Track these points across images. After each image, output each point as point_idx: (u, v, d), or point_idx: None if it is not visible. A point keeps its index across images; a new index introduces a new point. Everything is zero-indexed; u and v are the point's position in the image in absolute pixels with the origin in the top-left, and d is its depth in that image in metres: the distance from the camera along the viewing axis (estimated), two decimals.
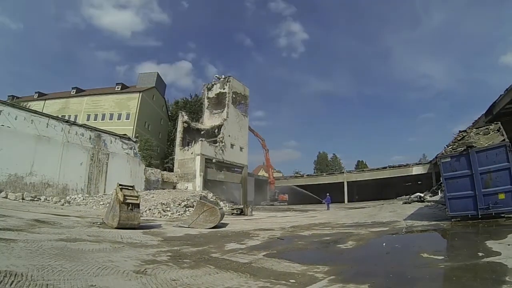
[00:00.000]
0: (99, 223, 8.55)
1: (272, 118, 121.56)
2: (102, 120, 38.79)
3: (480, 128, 9.56)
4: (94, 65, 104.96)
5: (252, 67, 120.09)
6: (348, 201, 38.77)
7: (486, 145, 7.91)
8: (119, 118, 39.42)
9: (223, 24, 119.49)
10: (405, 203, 20.75)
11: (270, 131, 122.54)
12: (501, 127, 8.80)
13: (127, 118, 39.22)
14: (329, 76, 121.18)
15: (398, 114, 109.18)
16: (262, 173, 57.77)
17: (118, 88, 42.62)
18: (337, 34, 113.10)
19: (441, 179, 9.39)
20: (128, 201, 7.97)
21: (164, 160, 39.54)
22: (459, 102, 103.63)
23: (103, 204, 15.19)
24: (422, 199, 20.76)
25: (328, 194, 25.10)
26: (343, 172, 46.72)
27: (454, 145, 9.06)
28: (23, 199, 13.88)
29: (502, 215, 7.43)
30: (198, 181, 30.23)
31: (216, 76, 39.75)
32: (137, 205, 8.29)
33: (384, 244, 6.06)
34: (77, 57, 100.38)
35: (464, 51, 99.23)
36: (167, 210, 14.92)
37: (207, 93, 39.00)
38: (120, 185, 8.32)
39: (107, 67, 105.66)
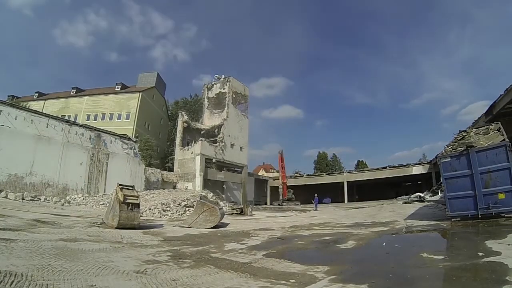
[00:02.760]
0: (99, 223, 8.55)
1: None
2: (102, 120, 38.81)
3: (480, 128, 9.57)
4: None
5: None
6: (348, 201, 38.74)
7: (486, 145, 7.91)
8: (119, 118, 39.44)
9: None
10: (405, 203, 20.76)
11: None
12: (501, 127, 8.80)
13: (127, 118, 39.25)
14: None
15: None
16: (262, 173, 57.78)
17: (118, 88, 42.64)
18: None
19: (441, 179, 9.40)
20: (128, 201, 7.97)
21: (164, 160, 39.56)
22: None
23: (103, 204, 15.19)
24: (422, 199, 20.75)
25: (316, 194, 27.80)
26: (343, 172, 46.65)
27: (454, 145, 9.06)
28: (23, 199, 13.88)
29: (502, 215, 7.44)
30: (198, 181, 30.23)
31: (216, 76, 39.67)
32: (137, 205, 8.29)
33: (384, 244, 6.06)
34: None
35: (484, 74, 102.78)
36: (167, 210, 14.91)
37: (207, 93, 38.98)
38: (120, 185, 8.32)
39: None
